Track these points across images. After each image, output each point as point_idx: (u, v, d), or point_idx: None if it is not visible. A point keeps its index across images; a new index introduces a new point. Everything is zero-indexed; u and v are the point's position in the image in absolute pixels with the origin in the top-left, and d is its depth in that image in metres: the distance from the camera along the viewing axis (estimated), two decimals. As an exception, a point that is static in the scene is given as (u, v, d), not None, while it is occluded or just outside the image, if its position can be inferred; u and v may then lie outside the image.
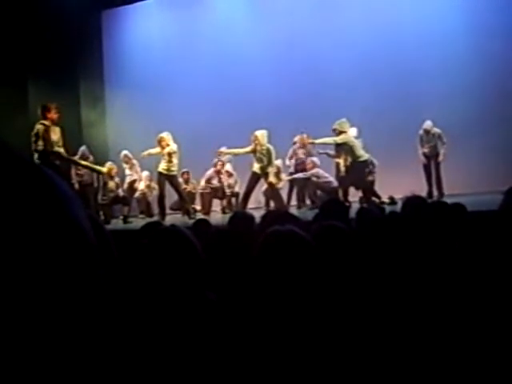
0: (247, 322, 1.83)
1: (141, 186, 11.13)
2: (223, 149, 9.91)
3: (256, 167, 8.98)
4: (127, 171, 11.11)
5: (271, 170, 9.03)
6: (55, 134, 8.09)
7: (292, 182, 10.01)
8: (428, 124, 9.23)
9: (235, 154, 9.70)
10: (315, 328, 1.77)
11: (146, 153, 9.57)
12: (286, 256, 1.86)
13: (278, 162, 9.66)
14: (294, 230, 1.95)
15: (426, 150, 9.27)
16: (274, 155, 9.00)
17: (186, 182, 10.85)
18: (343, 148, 8.78)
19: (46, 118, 8.04)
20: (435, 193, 9.19)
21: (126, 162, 11.10)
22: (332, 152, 9.37)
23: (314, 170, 9.57)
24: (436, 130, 9.23)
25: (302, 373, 1.71)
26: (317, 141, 9.06)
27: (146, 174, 11.03)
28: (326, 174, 9.51)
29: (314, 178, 9.51)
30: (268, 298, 1.86)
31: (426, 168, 9.34)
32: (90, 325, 0.54)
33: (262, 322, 1.82)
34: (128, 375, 1.59)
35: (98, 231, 1.85)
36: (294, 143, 10.07)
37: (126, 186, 10.98)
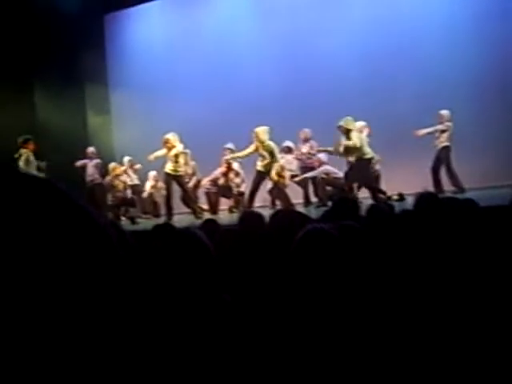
0: (265, 322, 1.84)
1: (147, 186, 11.15)
2: (229, 146, 9.95)
3: (259, 165, 8.95)
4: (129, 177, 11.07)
5: (275, 166, 8.95)
6: None
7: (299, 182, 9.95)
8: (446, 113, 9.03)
9: (242, 158, 9.66)
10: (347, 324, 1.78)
11: (152, 156, 9.55)
12: (324, 254, 1.89)
13: (282, 161, 9.59)
14: (329, 229, 1.98)
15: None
16: (276, 151, 8.95)
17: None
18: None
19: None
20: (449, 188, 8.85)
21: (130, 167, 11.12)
22: (331, 148, 9.26)
23: (323, 168, 9.53)
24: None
25: (320, 370, 1.71)
26: (329, 149, 9.06)
27: (152, 173, 11.04)
28: (335, 169, 9.47)
29: (324, 176, 9.47)
30: (306, 294, 1.87)
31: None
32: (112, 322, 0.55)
33: (293, 320, 1.82)
34: (142, 376, 1.60)
35: (118, 234, 1.86)
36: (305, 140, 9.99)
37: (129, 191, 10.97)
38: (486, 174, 9.28)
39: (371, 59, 10.57)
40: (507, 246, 2.53)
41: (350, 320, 1.79)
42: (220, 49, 12.09)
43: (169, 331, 1.76)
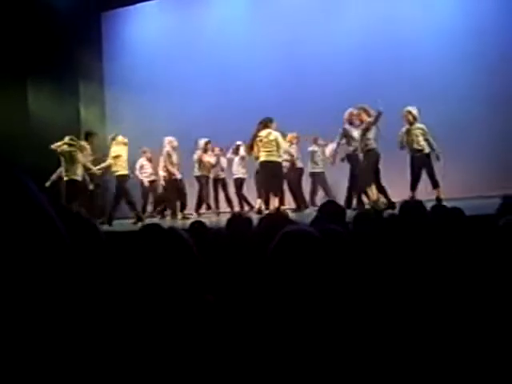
0: (248, 323, 1.84)
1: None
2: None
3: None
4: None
5: None
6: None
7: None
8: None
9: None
10: (327, 326, 1.78)
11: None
12: (302, 255, 1.86)
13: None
14: (309, 230, 1.95)
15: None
16: None
17: (206, 151, 10.51)
18: None
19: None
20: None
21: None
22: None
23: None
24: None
25: (303, 372, 1.71)
26: None
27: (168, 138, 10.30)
28: None
29: None
30: (283, 297, 1.86)
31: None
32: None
33: (270, 321, 1.82)
34: (125, 375, 1.60)
35: (88, 229, 1.86)
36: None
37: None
38: (474, 184, 9.33)
39: (368, 65, 10.60)
40: (491, 252, 2.54)
41: (328, 321, 1.80)
42: (216, 49, 12.10)
43: (150, 330, 1.76)
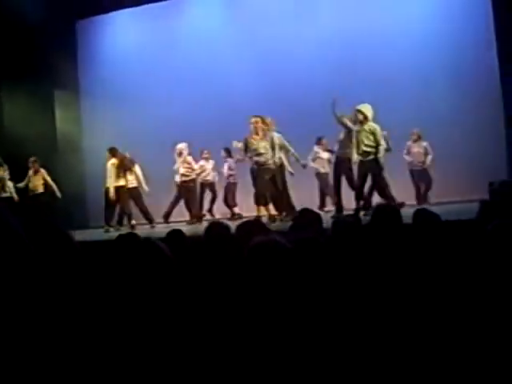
0: (228, 329, 1.84)
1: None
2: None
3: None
4: None
5: None
6: None
7: None
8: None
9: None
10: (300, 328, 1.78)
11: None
12: (272, 265, 1.88)
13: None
14: (277, 240, 1.98)
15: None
16: None
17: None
18: None
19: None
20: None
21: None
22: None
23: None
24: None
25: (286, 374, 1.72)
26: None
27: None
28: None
29: None
30: (255, 305, 1.87)
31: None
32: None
33: (245, 329, 1.82)
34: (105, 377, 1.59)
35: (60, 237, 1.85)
36: None
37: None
38: (455, 188, 9.41)
39: (346, 67, 10.58)
40: (469, 258, 2.56)
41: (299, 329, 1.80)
42: (193, 57, 12.06)
43: (129, 338, 1.75)
